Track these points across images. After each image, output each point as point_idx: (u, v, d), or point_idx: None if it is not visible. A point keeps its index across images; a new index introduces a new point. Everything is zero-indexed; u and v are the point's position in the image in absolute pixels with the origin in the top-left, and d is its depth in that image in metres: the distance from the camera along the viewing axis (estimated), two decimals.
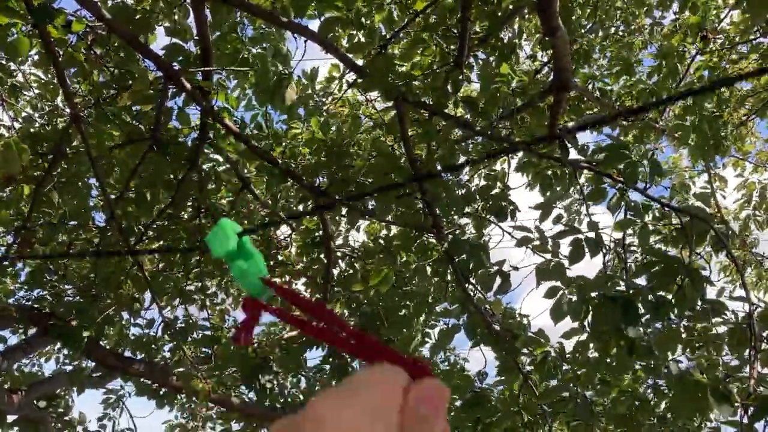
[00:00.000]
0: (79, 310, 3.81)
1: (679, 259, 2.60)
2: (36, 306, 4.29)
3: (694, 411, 2.81)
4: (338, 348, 0.65)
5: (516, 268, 3.29)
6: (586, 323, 2.80)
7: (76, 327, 3.65)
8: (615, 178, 3.15)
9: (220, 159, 4.42)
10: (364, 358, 0.60)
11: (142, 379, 4.71)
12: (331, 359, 4.44)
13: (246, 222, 4.81)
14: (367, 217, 4.18)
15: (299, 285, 4.87)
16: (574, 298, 2.94)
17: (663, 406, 3.93)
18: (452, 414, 3.55)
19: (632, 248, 3.59)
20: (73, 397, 5.52)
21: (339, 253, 4.43)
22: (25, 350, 4.78)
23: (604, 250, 2.95)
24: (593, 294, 2.84)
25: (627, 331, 2.50)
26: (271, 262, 4.69)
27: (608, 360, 2.91)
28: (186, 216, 4.49)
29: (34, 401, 4.81)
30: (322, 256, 4.39)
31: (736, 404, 2.45)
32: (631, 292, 2.62)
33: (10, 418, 4.95)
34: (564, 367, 3.36)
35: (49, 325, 3.69)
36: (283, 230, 4.87)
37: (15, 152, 2.56)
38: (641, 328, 2.63)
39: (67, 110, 4.34)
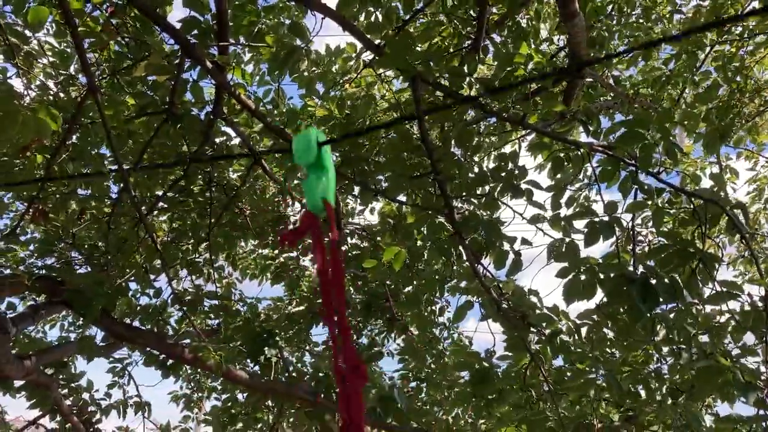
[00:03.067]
0: (95, 281, 3.85)
1: (693, 242, 2.63)
2: (47, 274, 4.33)
3: (719, 393, 2.84)
4: (320, 314, 0.72)
5: (529, 243, 3.32)
6: (598, 303, 2.83)
7: (91, 297, 3.69)
8: (627, 161, 3.17)
9: (233, 134, 4.43)
10: (331, 335, 0.67)
11: (148, 349, 4.76)
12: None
13: (256, 197, 4.84)
14: (379, 196, 4.20)
15: (307, 261, 4.92)
16: (585, 278, 2.96)
17: (664, 390, 3.98)
18: (458, 390, 3.61)
19: (641, 232, 3.62)
20: (76, 365, 5.58)
21: (349, 230, 4.45)
22: (33, 317, 4.81)
23: (618, 233, 2.97)
24: (603, 275, 2.87)
25: (646, 311, 2.52)
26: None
27: (622, 340, 2.94)
28: (197, 189, 4.53)
29: (41, 367, 4.86)
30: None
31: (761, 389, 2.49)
32: (644, 273, 2.64)
33: (18, 384, 5.02)
34: (573, 347, 3.39)
35: (67, 295, 3.72)
36: (297, 207, 4.90)
37: (45, 118, 2.57)
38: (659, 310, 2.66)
39: (82, 79, 4.36)
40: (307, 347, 5.20)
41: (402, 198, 3.88)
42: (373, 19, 4.00)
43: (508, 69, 3.70)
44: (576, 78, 4.20)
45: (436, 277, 4.13)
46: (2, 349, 4.16)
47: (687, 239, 2.74)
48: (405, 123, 3.95)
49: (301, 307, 5.22)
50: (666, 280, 2.55)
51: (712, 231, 3.16)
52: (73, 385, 5.43)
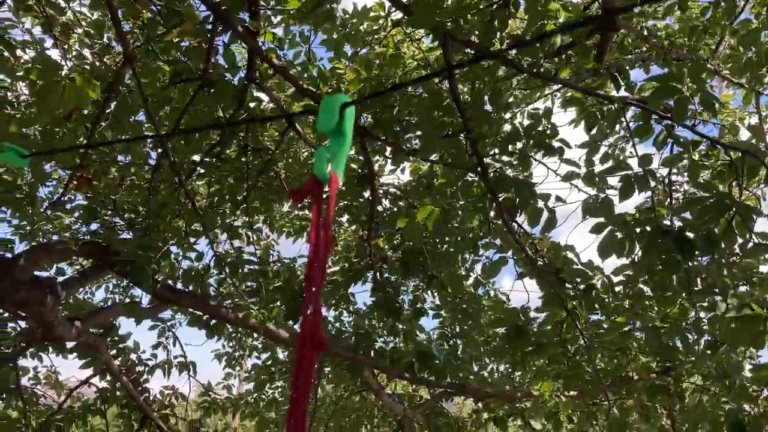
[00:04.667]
0: (140, 246, 3.98)
1: (729, 194, 2.61)
2: (93, 240, 4.48)
3: (752, 342, 2.85)
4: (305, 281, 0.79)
5: (563, 201, 3.32)
6: (635, 258, 2.84)
7: (142, 265, 3.83)
8: (662, 114, 3.13)
9: (266, 99, 4.48)
10: (304, 308, 0.74)
11: (191, 310, 4.93)
12: (378, 293, 4.57)
13: (290, 161, 4.91)
14: (411, 156, 4.23)
15: (343, 219, 4.99)
16: (620, 235, 2.97)
17: (702, 343, 3.99)
18: (494, 345, 3.67)
19: (677, 181, 3.59)
20: (122, 327, 5.81)
21: (383, 191, 4.50)
22: (81, 281, 5.00)
23: (652, 186, 2.96)
24: (638, 230, 2.87)
25: (683, 263, 2.53)
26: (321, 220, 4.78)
27: (659, 294, 2.96)
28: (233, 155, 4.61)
29: (90, 329, 5.07)
30: (366, 194, 4.47)
31: None
32: (680, 225, 2.64)
33: (69, 345, 5.25)
34: (608, 302, 3.42)
35: (117, 262, 3.87)
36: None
37: (84, 87, 2.65)
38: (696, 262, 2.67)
39: (117, 48, 4.43)
40: (346, 306, 5.32)
41: (434, 158, 3.91)
42: None
43: (540, 22, 3.66)
44: (609, 30, 4.12)
45: (470, 235, 4.17)
46: (53, 311, 4.35)
47: (724, 191, 2.73)
48: (435, 80, 3.95)
49: (338, 267, 5.32)
50: (702, 232, 2.55)
51: (750, 183, 3.13)
52: (121, 346, 5.65)
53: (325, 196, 0.89)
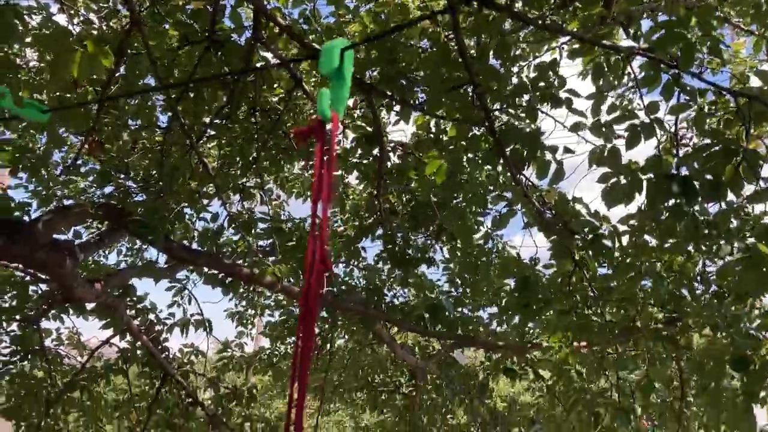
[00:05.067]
0: (154, 208, 4.06)
1: (736, 140, 2.63)
2: (109, 202, 4.56)
3: (758, 286, 2.90)
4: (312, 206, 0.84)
5: (571, 151, 3.35)
6: (641, 206, 2.87)
7: (156, 225, 3.90)
8: (669, 63, 3.12)
9: (272, 58, 4.49)
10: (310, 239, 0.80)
11: (205, 270, 5.03)
12: (389, 247, 4.64)
13: (299, 120, 4.94)
14: (418, 111, 4.24)
15: (352, 178, 5.04)
16: (625, 182, 2.98)
17: (709, 293, 4.04)
18: (503, 296, 3.74)
19: (686, 135, 3.60)
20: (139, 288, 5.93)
21: (390, 146, 4.53)
22: (98, 244, 5.10)
23: (659, 134, 2.98)
24: (645, 179, 2.90)
25: (687, 207, 2.56)
26: (325, 158, 4.83)
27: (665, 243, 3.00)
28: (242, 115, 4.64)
29: (109, 290, 5.19)
30: (375, 151, 4.50)
31: None
32: (687, 172, 2.66)
33: (89, 307, 5.39)
34: (616, 254, 3.46)
35: (131, 222, 3.95)
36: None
37: (97, 54, 2.68)
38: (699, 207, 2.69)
39: (124, 11, 4.44)
40: (356, 262, 5.40)
41: (441, 112, 3.92)
42: None
43: None
44: None
45: (480, 190, 4.21)
46: (73, 273, 4.46)
47: (730, 138, 2.74)
48: (441, 34, 3.94)
49: (347, 225, 5.39)
50: (708, 177, 2.56)
51: (757, 129, 3.13)
52: (139, 306, 5.79)
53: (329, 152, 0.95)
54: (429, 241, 5.27)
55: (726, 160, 2.63)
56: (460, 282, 5.22)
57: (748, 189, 3.06)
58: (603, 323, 3.95)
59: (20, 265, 5.51)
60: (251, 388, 6.59)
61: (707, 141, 2.76)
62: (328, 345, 5.95)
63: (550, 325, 4.56)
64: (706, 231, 2.85)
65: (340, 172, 4.94)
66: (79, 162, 4.70)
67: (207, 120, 4.47)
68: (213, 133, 4.64)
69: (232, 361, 6.46)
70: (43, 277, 5.52)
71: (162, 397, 6.19)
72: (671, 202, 2.74)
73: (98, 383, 6.59)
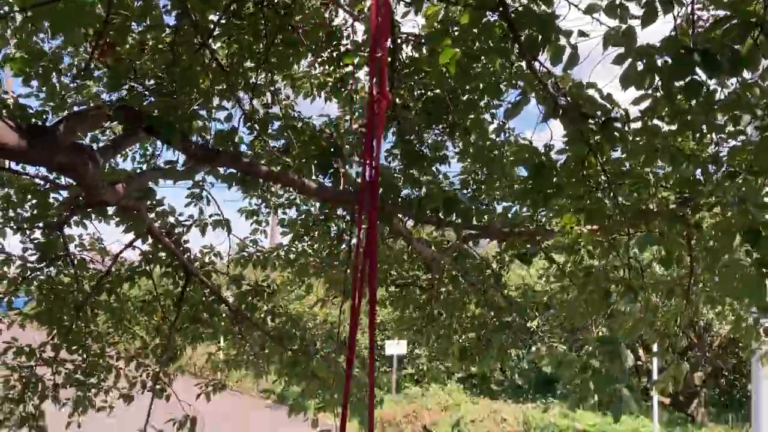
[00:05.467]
0: (170, 107, 4.07)
1: (754, 12, 2.60)
2: (125, 104, 4.58)
3: None
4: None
5: (586, 35, 3.32)
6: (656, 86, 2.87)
7: (172, 121, 3.93)
8: None
9: None
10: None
11: (221, 170, 5.11)
12: (401, 143, 4.69)
13: (307, 12, 4.86)
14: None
15: (362, 74, 5.02)
16: (641, 66, 2.97)
17: (722, 173, 4.10)
18: (517, 186, 3.80)
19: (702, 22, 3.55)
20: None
21: (402, 38, 4.48)
22: (115, 149, 5.15)
23: (675, 12, 2.95)
24: (660, 60, 2.88)
25: (709, 78, 2.55)
26: (335, 53, 4.81)
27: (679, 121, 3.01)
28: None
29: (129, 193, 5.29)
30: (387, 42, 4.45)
31: None
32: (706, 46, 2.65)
33: (111, 212, 5.52)
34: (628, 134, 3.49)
35: (147, 121, 3.96)
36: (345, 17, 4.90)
37: None
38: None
39: None
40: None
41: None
42: None
43: None
44: None
45: (493, 79, 4.19)
46: (96, 176, 4.54)
47: (748, 10, 2.71)
48: None
49: (358, 123, 5.42)
50: (728, 53, 2.55)
51: None
52: (159, 209, 5.93)
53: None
54: (442, 138, 5.30)
55: (744, 33, 2.61)
56: (473, 178, 5.29)
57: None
58: (616, 205, 4.01)
59: (40, 173, 5.62)
60: (271, 283, 6.84)
61: (724, 14, 2.72)
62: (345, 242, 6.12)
63: (562, 209, 4.62)
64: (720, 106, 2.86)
65: (349, 68, 4.92)
66: (91, 67, 4.68)
67: (214, 18, 4.41)
68: (220, 31, 4.59)
69: (252, 258, 6.67)
70: (63, 183, 5.63)
71: (187, 295, 6.45)
72: (686, 80, 2.74)
73: (124, 286, 6.84)
